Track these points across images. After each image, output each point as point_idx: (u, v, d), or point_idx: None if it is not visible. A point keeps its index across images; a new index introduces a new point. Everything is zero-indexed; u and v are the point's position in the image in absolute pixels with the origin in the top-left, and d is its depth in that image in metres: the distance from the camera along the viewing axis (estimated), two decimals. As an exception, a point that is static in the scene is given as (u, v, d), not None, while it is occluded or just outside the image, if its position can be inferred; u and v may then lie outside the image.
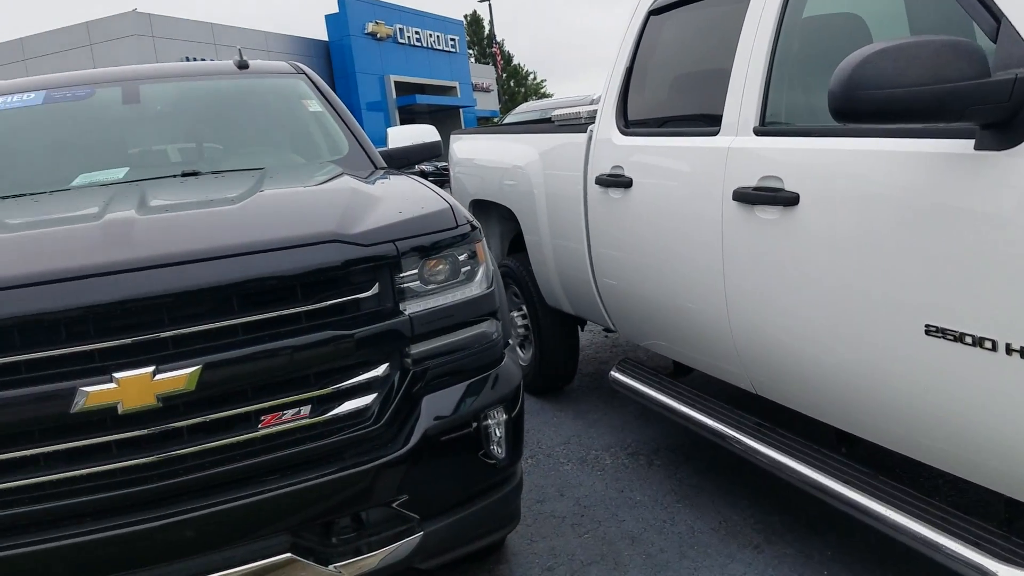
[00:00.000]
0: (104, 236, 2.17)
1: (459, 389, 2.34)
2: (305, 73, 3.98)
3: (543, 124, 4.67)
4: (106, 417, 1.94)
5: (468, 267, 2.40)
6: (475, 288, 2.40)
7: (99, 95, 3.64)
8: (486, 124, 45.36)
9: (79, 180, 3.21)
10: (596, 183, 3.46)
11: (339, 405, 2.16)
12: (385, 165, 3.49)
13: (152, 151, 3.61)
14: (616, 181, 3.31)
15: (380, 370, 2.21)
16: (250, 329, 2.07)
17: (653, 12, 3.34)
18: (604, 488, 3.49)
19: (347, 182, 2.78)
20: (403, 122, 38.46)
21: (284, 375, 2.11)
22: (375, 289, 2.20)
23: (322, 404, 2.15)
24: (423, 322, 2.25)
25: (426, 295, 2.29)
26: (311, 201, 2.65)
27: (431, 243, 2.32)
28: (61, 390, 1.89)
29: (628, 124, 3.39)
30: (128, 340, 1.96)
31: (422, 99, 38.49)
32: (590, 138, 3.60)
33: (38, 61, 28.42)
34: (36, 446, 1.94)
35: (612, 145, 3.41)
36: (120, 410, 1.93)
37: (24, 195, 3.02)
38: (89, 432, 1.96)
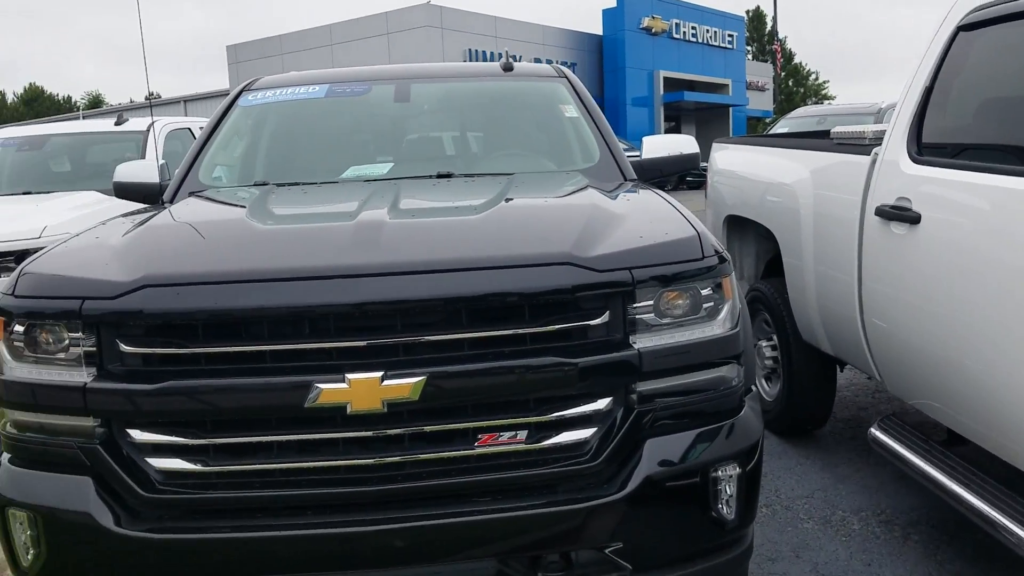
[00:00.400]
0: (354, 237, 2.23)
1: (688, 436, 2.14)
2: (566, 77, 3.92)
3: (818, 139, 4.26)
4: (336, 415, 1.98)
5: (711, 303, 2.18)
6: (717, 327, 2.17)
7: (375, 92, 3.83)
8: (757, 125, 43.57)
9: (348, 173, 3.40)
10: (876, 214, 3.06)
11: (556, 435, 2.06)
12: (635, 177, 3.33)
13: (414, 150, 3.75)
14: (901, 215, 2.89)
15: (602, 404, 2.08)
16: (475, 345, 2.03)
17: (963, 28, 2.86)
18: (848, 557, 3.10)
19: (591, 196, 2.67)
20: (667, 119, 37.99)
21: (503, 396, 2.05)
22: (605, 317, 2.07)
23: (539, 431, 2.07)
24: (654, 358, 2.08)
25: (660, 329, 2.11)
26: (550, 216, 2.57)
27: (671, 273, 2.13)
28: (299, 383, 1.96)
29: (921, 151, 2.95)
30: (363, 343, 1.99)
31: (690, 96, 37.69)
32: (874, 162, 3.19)
33: (342, 47, 31.46)
34: (272, 434, 2.02)
35: (900, 173, 2.99)
36: (349, 410, 1.96)
37: (298, 184, 3.24)
38: (318, 427, 2.01)
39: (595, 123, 3.57)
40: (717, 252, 2.21)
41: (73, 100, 76.45)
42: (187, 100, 39.67)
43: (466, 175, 3.24)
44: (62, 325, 2.04)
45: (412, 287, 2.01)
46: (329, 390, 1.94)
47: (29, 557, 2.07)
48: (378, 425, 1.99)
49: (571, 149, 3.59)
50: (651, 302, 2.09)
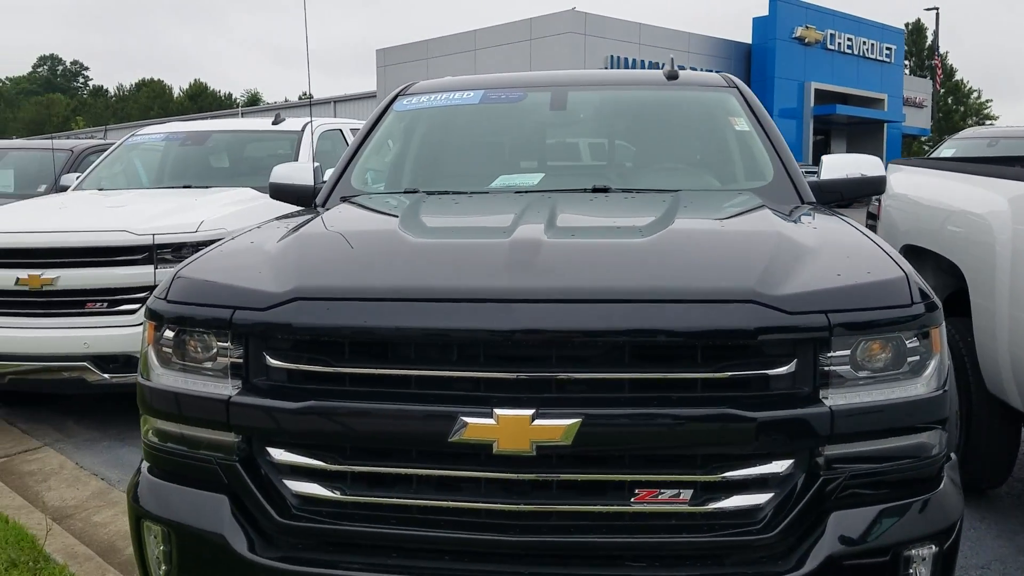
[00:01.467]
0: (509, 257, 2.06)
1: (878, 510, 1.86)
2: (737, 87, 3.62)
3: (1017, 167, 3.79)
4: (480, 453, 1.82)
5: (916, 357, 1.88)
6: (921, 386, 1.87)
7: (530, 99, 3.67)
8: (912, 143, 41.07)
9: (497, 182, 3.25)
10: (1100, 257, 2.64)
11: (725, 498, 1.83)
12: (813, 199, 3.02)
13: (568, 160, 3.58)
14: None
15: (782, 466, 1.82)
16: (638, 387, 1.83)
17: None
18: (1035, 648, 2.69)
19: (771, 222, 2.40)
20: (816, 132, 36.37)
21: (667, 448, 1.83)
22: (792, 367, 1.82)
23: (705, 491, 1.84)
24: (847, 417, 1.80)
25: (856, 385, 1.84)
26: (728, 244, 2.30)
27: (873, 320, 1.85)
28: (445, 414, 1.81)
29: None
30: (513, 375, 1.83)
31: (842, 110, 35.91)
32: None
33: (485, 52, 31.82)
34: (412, 466, 1.89)
35: None
36: (495, 449, 1.79)
37: (448, 193, 3.12)
38: (461, 464, 1.86)
39: (769, 138, 3.27)
40: (927, 299, 1.91)
41: (233, 97, 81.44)
42: (336, 101, 41.27)
43: (624, 190, 3.03)
44: (211, 334, 1.97)
45: (569, 317, 1.83)
46: (475, 425, 1.79)
47: (161, 572, 2.02)
48: (525, 468, 1.81)
49: (741, 166, 3.31)
50: (848, 352, 1.82)
